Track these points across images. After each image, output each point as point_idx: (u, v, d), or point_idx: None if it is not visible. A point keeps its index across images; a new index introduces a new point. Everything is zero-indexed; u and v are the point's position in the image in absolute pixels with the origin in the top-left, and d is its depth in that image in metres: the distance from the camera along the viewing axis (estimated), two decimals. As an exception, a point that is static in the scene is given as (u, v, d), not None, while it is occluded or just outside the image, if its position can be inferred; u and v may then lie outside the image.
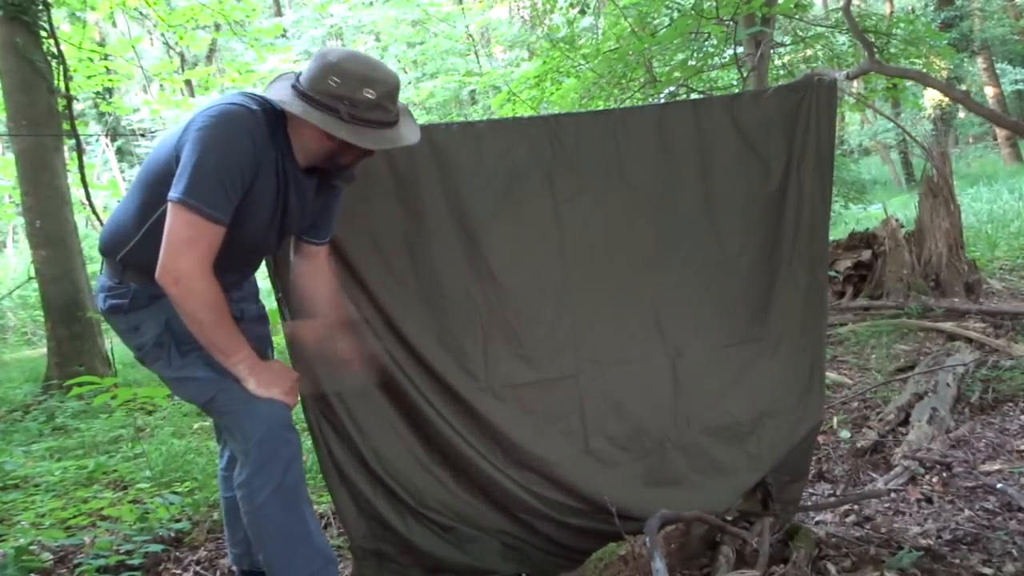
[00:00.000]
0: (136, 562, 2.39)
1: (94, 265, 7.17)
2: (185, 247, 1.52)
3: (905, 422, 3.08)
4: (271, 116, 1.62)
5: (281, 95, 1.59)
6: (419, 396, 2.00)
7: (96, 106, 9.51)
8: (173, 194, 1.52)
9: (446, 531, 2.03)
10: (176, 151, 1.57)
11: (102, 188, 9.19)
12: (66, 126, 5.78)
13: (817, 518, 2.37)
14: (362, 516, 2.01)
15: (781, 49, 6.24)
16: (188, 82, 9.80)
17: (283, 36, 12.40)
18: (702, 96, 5.57)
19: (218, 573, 2.40)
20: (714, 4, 4.84)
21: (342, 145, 1.60)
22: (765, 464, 2.11)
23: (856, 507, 2.41)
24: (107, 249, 1.73)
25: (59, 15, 6.67)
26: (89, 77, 7.17)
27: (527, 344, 2.05)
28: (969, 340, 4.07)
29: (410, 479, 2.02)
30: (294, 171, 1.67)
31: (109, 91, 8.98)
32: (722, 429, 2.10)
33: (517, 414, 2.03)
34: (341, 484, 1.98)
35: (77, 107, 6.31)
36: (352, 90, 1.55)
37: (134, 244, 1.66)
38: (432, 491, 2.04)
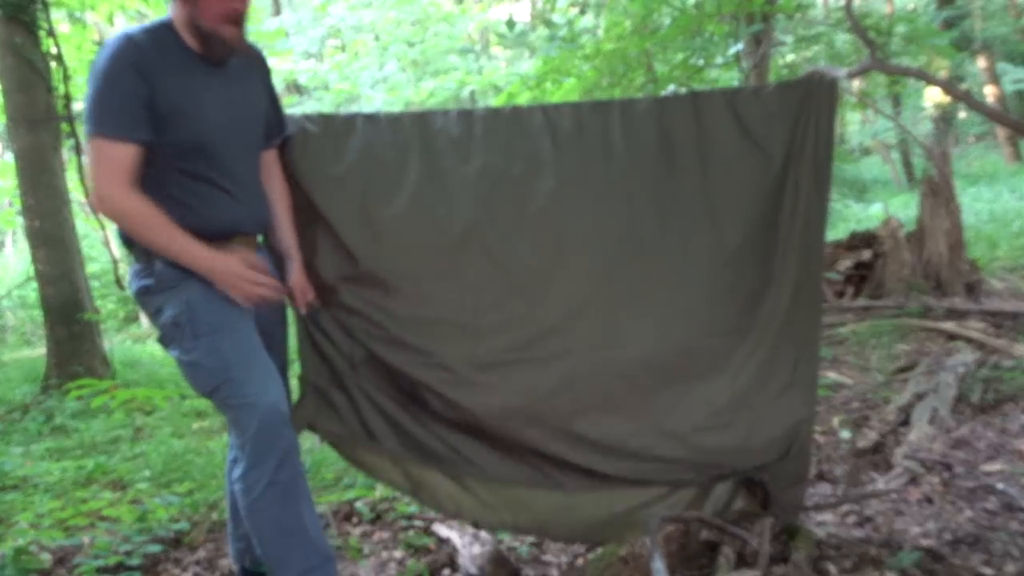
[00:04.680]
0: (135, 562, 2.39)
1: (93, 265, 7.18)
2: (99, 170, 1.67)
3: (906, 422, 3.07)
4: (160, 30, 1.75)
5: None
6: (398, 361, 2.05)
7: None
8: (83, 130, 1.71)
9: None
10: None
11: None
12: (66, 128, 5.78)
13: (817, 518, 2.36)
14: (317, 355, 2.08)
15: (782, 48, 6.24)
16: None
17: (284, 37, 12.38)
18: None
19: (218, 573, 2.39)
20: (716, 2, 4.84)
21: (189, 6, 1.69)
22: (744, 456, 2.12)
23: (856, 507, 2.40)
24: (124, 236, 1.80)
25: (58, 15, 6.66)
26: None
27: (517, 323, 2.07)
28: (970, 340, 4.06)
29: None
30: (204, 61, 1.77)
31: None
32: (703, 418, 2.11)
33: (502, 390, 2.05)
34: (310, 334, 2.08)
35: (76, 106, 6.29)
36: None
37: None
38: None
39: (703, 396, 2.11)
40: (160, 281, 1.76)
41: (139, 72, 1.66)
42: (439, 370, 2.04)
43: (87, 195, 6.18)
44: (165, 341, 1.82)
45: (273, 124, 1.97)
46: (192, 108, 1.74)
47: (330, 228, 2.02)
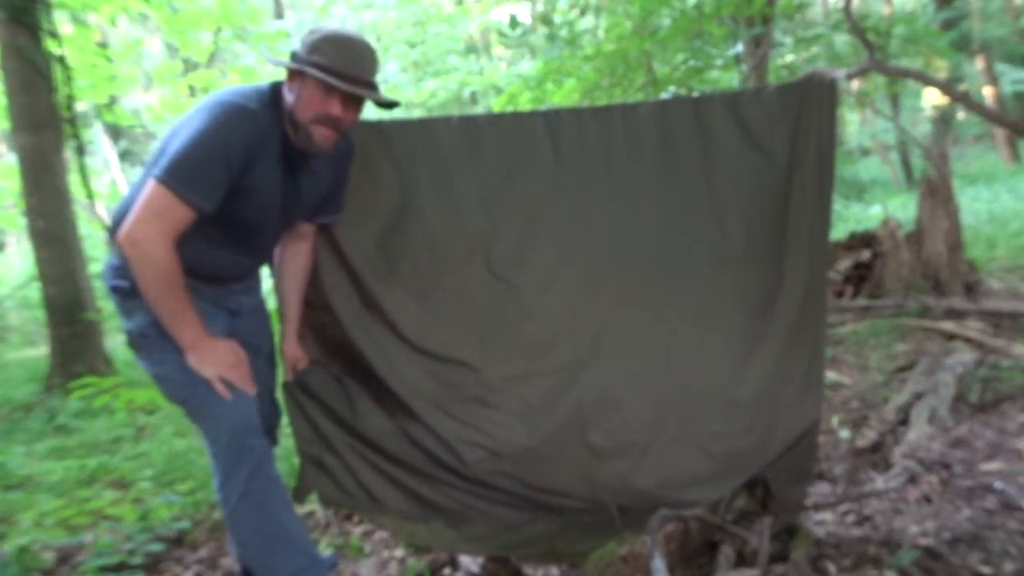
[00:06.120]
0: (137, 561, 2.40)
1: (96, 265, 7.18)
2: (151, 217, 1.62)
3: (904, 421, 3.08)
4: (270, 109, 1.72)
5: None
6: (406, 390, 2.02)
7: (99, 113, 9.54)
8: (155, 171, 1.62)
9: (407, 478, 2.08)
10: (177, 132, 1.67)
11: (105, 199, 9.14)
12: (68, 129, 5.79)
13: (817, 517, 2.37)
14: (307, 424, 2.07)
15: (782, 49, 6.25)
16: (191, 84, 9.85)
17: (287, 39, 12.39)
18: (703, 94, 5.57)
19: (219, 572, 2.40)
20: (715, 3, 4.85)
21: (296, 96, 1.70)
22: (760, 460, 2.12)
23: (856, 506, 2.41)
24: (115, 230, 1.77)
25: (61, 17, 6.68)
26: (95, 87, 7.20)
27: (526, 336, 2.06)
28: (968, 340, 4.07)
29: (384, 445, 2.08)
30: (296, 159, 1.77)
31: (112, 97, 8.98)
32: (720, 424, 2.11)
33: (514, 406, 2.05)
34: (298, 402, 2.07)
35: (79, 107, 6.30)
36: (305, 37, 1.72)
37: None
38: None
39: (720, 402, 2.10)
40: (136, 286, 1.73)
41: (246, 150, 1.66)
42: (450, 389, 2.04)
43: (89, 196, 6.20)
44: (134, 348, 1.82)
45: (327, 205, 1.94)
46: (262, 196, 1.74)
47: (342, 251, 2.02)
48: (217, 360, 1.73)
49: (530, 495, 2.07)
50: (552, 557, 2.14)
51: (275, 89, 1.75)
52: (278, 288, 2.02)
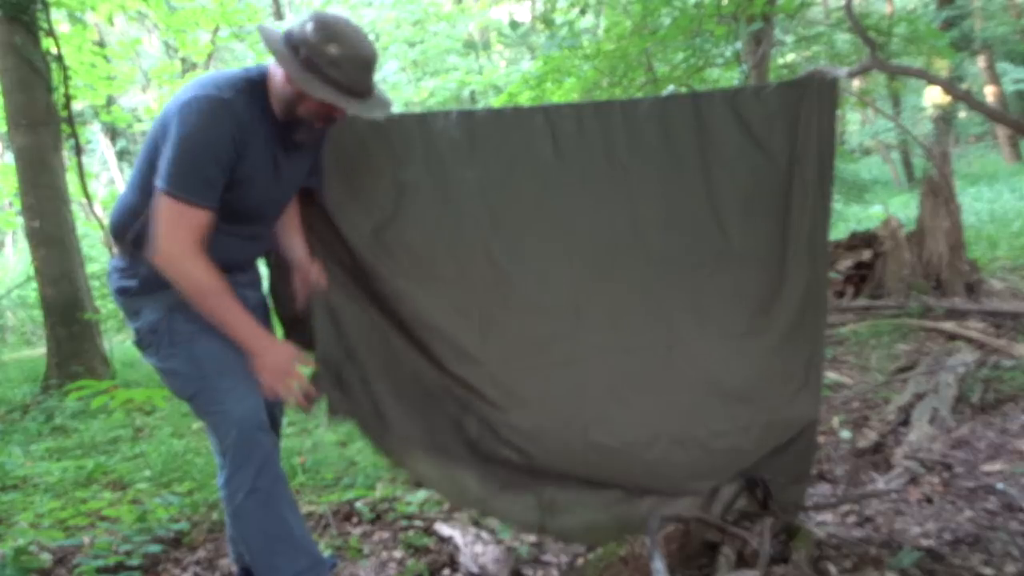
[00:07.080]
0: (135, 562, 2.38)
1: (93, 265, 7.19)
2: (173, 229, 1.64)
3: (906, 422, 3.07)
4: (253, 92, 1.70)
5: (270, 34, 1.70)
6: (408, 381, 2.03)
7: (96, 113, 9.56)
8: (158, 183, 1.63)
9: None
10: (163, 131, 1.66)
11: (103, 199, 9.13)
12: (66, 128, 5.78)
13: (817, 518, 2.36)
14: (333, 330, 2.01)
15: (782, 47, 6.24)
16: (189, 83, 9.88)
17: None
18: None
19: (217, 573, 2.39)
20: (716, 2, 4.84)
21: (297, 93, 1.67)
22: (756, 458, 2.12)
23: (857, 507, 2.40)
24: (117, 231, 1.80)
25: (58, 16, 6.67)
26: (94, 89, 7.20)
27: (526, 330, 2.06)
28: (970, 340, 4.06)
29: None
30: (284, 136, 1.76)
31: (109, 97, 8.97)
32: (720, 422, 2.11)
33: (515, 400, 2.04)
34: (330, 308, 2.00)
35: (76, 106, 6.29)
36: (319, 41, 1.63)
37: (142, 222, 1.71)
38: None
39: (720, 400, 2.10)
40: (144, 284, 1.74)
41: (234, 142, 1.66)
42: (450, 379, 2.03)
43: (87, 196, 6.20)
44: (142, 346, 1.81)
45: (312, 171, 1.95)
46: (257, 182, 1.75)
47: (344, 242, 2.00)
48: (275, 369, 1.73)
49: (535, 467, 2.06)
50: (533, 524, 2.12)
51: (250, 74, 1.73)
52: (278, 240, 1.99)
